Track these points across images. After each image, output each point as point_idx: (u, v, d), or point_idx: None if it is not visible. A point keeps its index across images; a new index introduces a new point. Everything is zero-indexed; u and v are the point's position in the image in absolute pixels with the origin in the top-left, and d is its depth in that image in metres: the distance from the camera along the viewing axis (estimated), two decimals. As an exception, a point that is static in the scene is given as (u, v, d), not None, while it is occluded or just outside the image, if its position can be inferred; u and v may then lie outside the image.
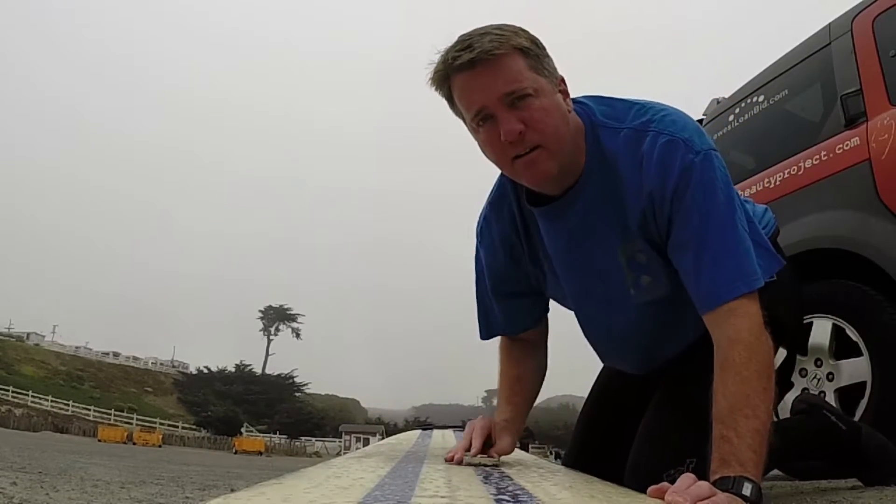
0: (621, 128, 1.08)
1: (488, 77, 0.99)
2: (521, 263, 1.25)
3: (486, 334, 1.34)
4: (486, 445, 1.11)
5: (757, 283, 0.99)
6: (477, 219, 1.30)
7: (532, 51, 1.02)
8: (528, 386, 1.31)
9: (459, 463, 1.01)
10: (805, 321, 2.17)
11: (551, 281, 1.25)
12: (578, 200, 1.11)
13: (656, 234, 1.07)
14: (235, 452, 26.35)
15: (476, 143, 1.09)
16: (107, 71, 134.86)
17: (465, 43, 1.00)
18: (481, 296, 1.33)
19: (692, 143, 1.01)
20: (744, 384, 0.90)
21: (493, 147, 1.05)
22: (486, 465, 1.03)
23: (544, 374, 1.35)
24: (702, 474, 0.84)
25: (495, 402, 1.36)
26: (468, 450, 1.08)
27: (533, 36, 1.04)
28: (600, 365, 1.54)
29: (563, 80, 1.08)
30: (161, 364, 58.31)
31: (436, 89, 1.07)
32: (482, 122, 1.03)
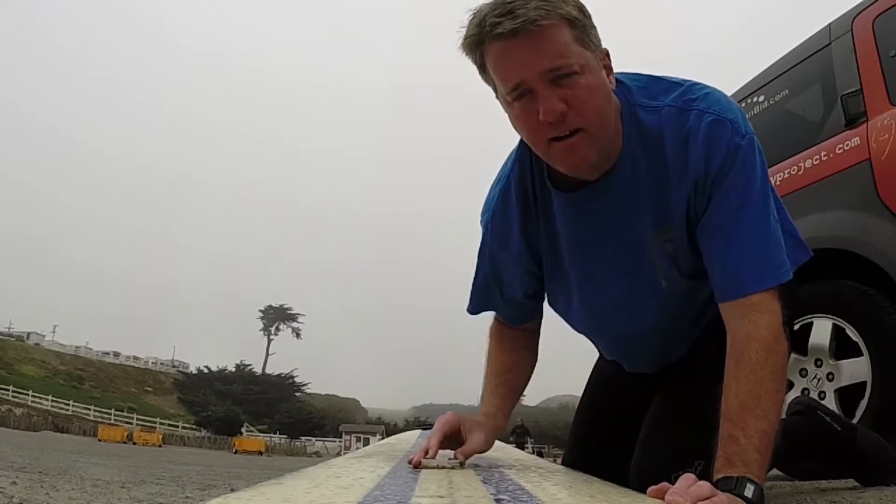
0: (662, 105, 1.01)
1: (531, 50, 0.89)
2: (534, 248, 1.16)
3: (477, 309, 1.27)
4: (457, 444, 1.05)
5: (784, 276, 0.96)
6: (487, 196, 1.19)
7: (580, 21, 0.92)
8: (519, 377, 1.23)
9: (417, 466, 0.94)
10: (805, 321, 2.17)
11: (552, 271, 1.18)
12: (616, 185, 1.04)
13: (695, 218, 1.02)
14: (235, 452, 26.34)
15: (506, 115, 1.01)
16: (115, 104, 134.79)
17: (507, 7, 0.88)
18: (482, 275, 1.23)
19: (738, 126, 0.98)
20: (757, 384, 0.88)
21: (527, 125, 0.96)
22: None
23: (534, 367, 1.28)
24: (709, 476, 0.83)
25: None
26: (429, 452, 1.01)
27: (580, 2, 0.94)
28: (600, 364, 1.54)
29: (607, 54, 0.98)
30: (161, 364, 58.30)
31: (465, 54, 0.97)
32: (518, 98, 0.94)
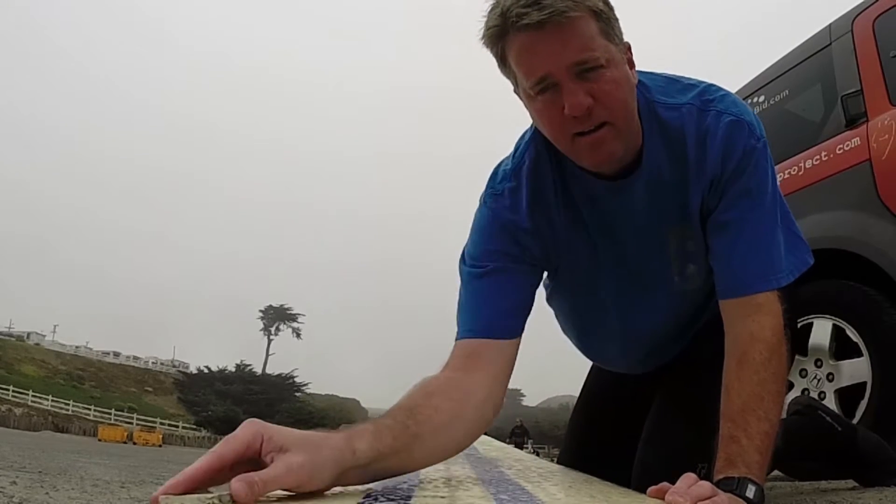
0: (682, 104, 1.01)
1: (557, 42, 0.87)
2: (539, 234, 1.07)
3: (461, 332, 1.00)
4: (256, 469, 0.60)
5: (785, 280, 0.97)
6: (493, 173, 1.11)
7: (605, 13, 0.90)
8: (425, 424, 0.81)
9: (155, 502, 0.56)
10: (805, 321, 2.17)
11: (565, 262, 1.12)
12: (640, 180, 1.02)
13: (706, 216, 1.02)
14: (235, 452, 26.26)
15: (526, 109, 0.99)
16: (115, 104, 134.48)
17: None
18: (463, 280, 1.06)
19: (754, 129, 0.99)
20: (760, 385, 0.89)
21: (550, 119, 0.93)
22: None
23: (471, 435, 0.91)
24: (710, 477, 0.83)
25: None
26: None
27: None
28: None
29: (629, 48, 0.97)
30: (161, 364, 58.28)
31: (485, 46, 0.94)
32: (542, 91, 0.91)
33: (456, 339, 1.01)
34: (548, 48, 0.88)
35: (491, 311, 1.01)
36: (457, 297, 1.06)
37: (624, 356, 1.33)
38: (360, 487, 0.72)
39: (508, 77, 0.98)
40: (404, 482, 0.77)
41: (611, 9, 0.92)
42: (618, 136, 0.94)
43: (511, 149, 1.13)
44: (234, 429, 0.63)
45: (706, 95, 1.01)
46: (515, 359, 1.01)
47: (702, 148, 0.99)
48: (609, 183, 1.03)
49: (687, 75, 1.08)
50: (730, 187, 0.98)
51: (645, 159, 1.02)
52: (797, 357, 2.19)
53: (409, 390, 0.88)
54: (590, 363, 1.54)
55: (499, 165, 1.12)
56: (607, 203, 1.06)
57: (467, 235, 1.12)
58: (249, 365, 55.39)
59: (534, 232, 1.06)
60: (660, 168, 1.02)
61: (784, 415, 1.61)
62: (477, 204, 1.12)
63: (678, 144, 1.01)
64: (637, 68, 1.01)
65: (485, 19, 0.92)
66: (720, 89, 1.03)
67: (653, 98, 1.02)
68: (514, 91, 0.99)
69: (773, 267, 0.97)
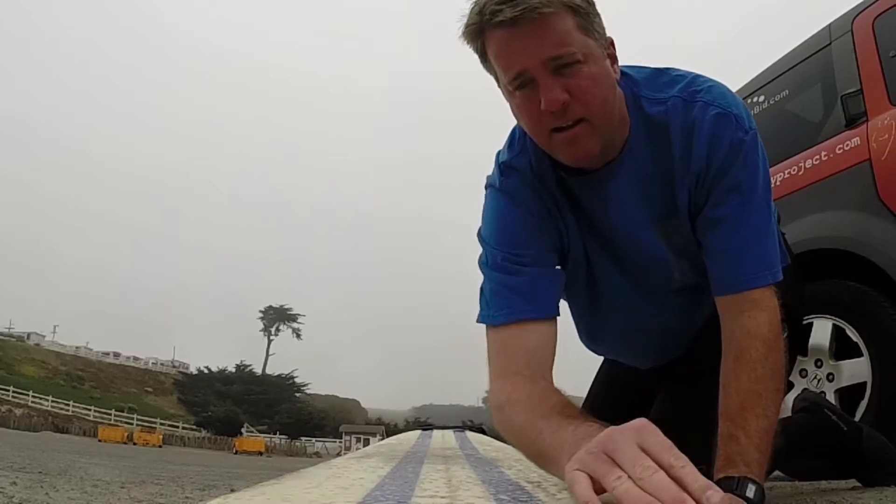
0: (668, 97, 0.99)
1: (532, 38, 0.86)
2: (551, 226, 1.05)
3: (504, 315, 0.99)
4: None
5: (779, 275, 0.97)
6: (496, 166, 1.09)
7: (583, 8, 0.89)
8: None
9: None
10: (805, 321, 2.17)
11: (572, 258, 1.10)
12: (621, 173, 1.00)
13: (695, 212, 1.01)
14: (236, 453, 26.38)
15: (508, 104, 0.98)
16: (115, 104, 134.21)
17: None
18: (493, 268, 1.03)
19: (742, 121, 0.97)
20: (758, 382, 0.88)
21: (529, 115, 0.93)
22: None
23: None
24: (709, 476, 0.83)
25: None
26: None
27: None
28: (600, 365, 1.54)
29: (612, 43, 0.96)
30: (161, 364, 58.37)
31: (466, 43, 0.94)
32: (520, 87, 0.91)
33: (506, 321, 0.99)
34: (522, 44, 0.87)
35: (547, 298, 1.02)
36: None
37: (621, 352, 1.34)
38: (358, 488, 0.72)
39: (490, 73, 0.98)
40: (405, 482, 0.77)
41: (590, 3, 0.91)
42: (594, 132, 0.93)
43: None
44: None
45: (693, 87, 0.99)
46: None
47: (687, 142, 0.98)
48: (587, 177, 1.02)
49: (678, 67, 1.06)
50: (718, 182, 0.97)
51: (626, 152, 1.00)
52: (797, 357, 2.20)
53: (529, 397, 0.89)
54: (590, 364, 1.54)
55: (497, 155, 1.10)
56: (589, 196, 1.05)
57: (470, 235, 1.09)
58: (249, 365, 55.48)
59: (547, 213, 1.05)
60: (644, 163, 1.01)
61: (790, 412, 1.61)
62: (482, 199, 1.10)
63: (663, 139, 0.99)
64: (633, 63, 1.00)
65: (465, 17, 0.92)
66: (708, 80, 1.01)
67: (639, 92, 1.01)
68: (498, 86, 0.99)
69: (768, 261, 0.96)
